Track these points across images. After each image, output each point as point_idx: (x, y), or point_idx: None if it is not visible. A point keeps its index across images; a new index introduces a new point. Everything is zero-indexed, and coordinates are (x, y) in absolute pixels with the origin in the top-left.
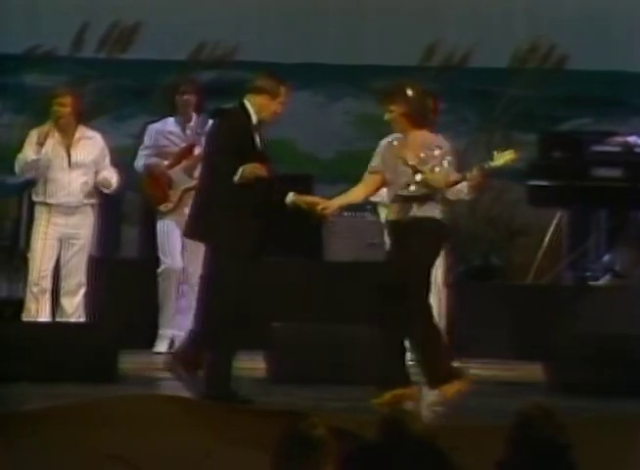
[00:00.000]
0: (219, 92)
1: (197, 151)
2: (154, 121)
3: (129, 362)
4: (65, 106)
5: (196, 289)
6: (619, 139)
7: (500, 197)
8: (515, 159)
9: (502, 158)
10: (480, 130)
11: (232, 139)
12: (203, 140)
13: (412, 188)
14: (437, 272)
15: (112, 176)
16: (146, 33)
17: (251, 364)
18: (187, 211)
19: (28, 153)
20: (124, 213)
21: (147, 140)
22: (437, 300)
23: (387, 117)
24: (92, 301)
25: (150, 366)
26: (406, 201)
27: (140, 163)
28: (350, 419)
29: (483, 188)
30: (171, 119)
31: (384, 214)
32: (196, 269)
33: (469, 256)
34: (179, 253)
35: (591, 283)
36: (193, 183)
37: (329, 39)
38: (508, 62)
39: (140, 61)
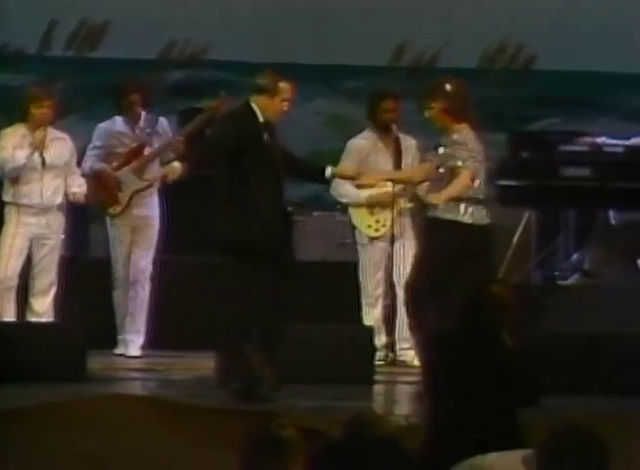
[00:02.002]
0: (189, 91)
1: (146, 151)
2: (103, 121)
3: (98, 362)
4: (46, 109)
5: (146, 290)
6: (588, 139)
7: None
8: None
9: None
10: None
11: (235, 141)
12: (153, 139)
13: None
14: (408, 270)
15: (80, 185)
16: (115, 32)
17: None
18: (137, 211)
19: (11, 154)
20: (93, 213)
21: (95, 140)
22: None
23: (426, 113)
24: (61, 300)
25: (119, 366)
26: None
27: (88, 165)
28: (321, 419)
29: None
30: (120, 119)
31: (355, 216)
32: (144, 269)
33: None
34: (128, 258)
35: (560, 282)
36: (143, 184)
37: (300, 39)
38: (477, 62)
39: (109, 59)
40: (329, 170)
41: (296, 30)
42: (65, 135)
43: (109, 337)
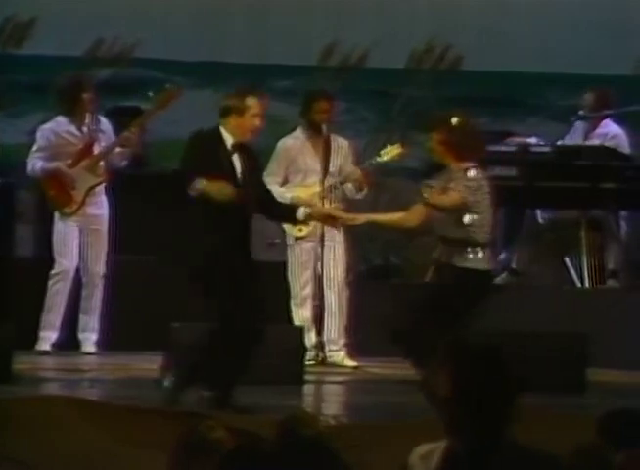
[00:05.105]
0: (117, 89)
1: (95, 148)
2: (44, 122)
3: (24, 363)
4: None
5: (100, 289)
6: (515, 139)
7: (398, 197)
8: (402, 153)
9: (388, 153)
10: (378, 130)
11: (196, 159)
12: (100, 137)
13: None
14: (338, 271)
15: None
16: (42, 28)
17: (150, 365)
18: (89, 210)
19: None
20: (19, 212)
21: (40, 142)
22: (338, 298)
23: (428, 145)
24: None
25: (45, 366)
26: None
27: (37, 166)
28: (252, 420)
29: (371, 186)
30: (62, 119)
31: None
32: (98, 269)
33: (369, 255)
34: (76, 254)
35: None
36: (97, 181)
37: (229, 38)
38: (405, 62)
39: (36, 56)
40: (301, 211)
41: (225, 30)
42: None
43: (34, 337)
